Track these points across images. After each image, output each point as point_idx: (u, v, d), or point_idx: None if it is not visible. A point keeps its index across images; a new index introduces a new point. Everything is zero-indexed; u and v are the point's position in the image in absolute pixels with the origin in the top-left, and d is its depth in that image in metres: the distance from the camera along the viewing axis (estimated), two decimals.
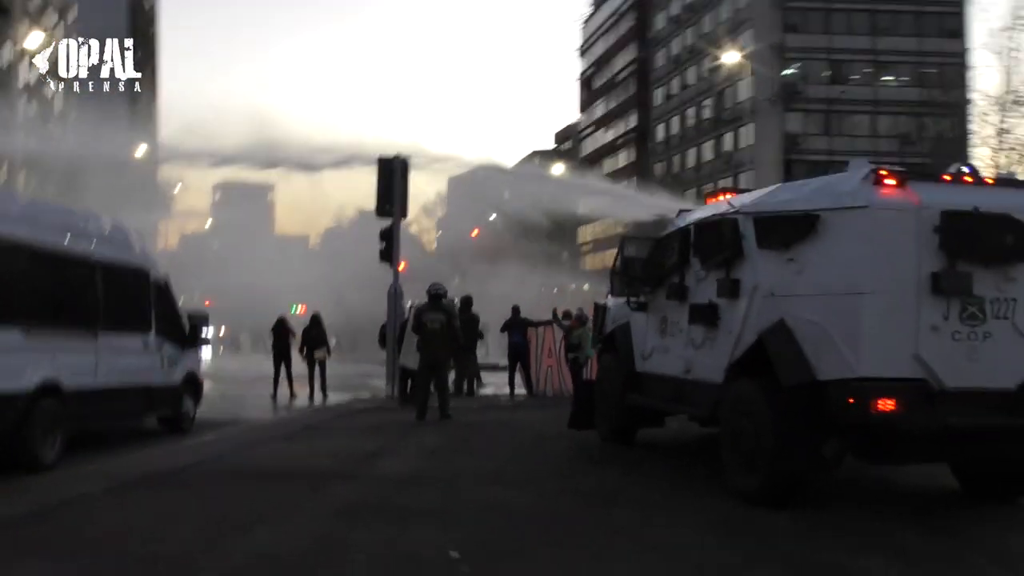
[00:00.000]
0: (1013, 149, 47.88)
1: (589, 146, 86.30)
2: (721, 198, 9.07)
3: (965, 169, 7.45)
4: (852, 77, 58.46)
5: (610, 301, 11.19)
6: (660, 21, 72.47)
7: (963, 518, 7.45)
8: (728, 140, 61.35)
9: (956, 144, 51.91)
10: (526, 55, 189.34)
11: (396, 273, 18.91)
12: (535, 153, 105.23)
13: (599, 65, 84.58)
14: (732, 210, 8.35)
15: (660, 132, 71.66)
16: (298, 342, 20.78)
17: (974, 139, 51.30)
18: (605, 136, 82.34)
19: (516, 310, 20.65)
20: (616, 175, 78.67)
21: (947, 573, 5.93)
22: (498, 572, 5.69)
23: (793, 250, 7.50)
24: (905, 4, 57.24)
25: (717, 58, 56.42)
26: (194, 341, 13.51)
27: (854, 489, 8.66)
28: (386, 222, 19.00)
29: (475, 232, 58.87)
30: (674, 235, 9.47)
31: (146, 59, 72.84)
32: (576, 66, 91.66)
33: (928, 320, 6.88)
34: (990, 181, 7.42)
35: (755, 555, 6.22)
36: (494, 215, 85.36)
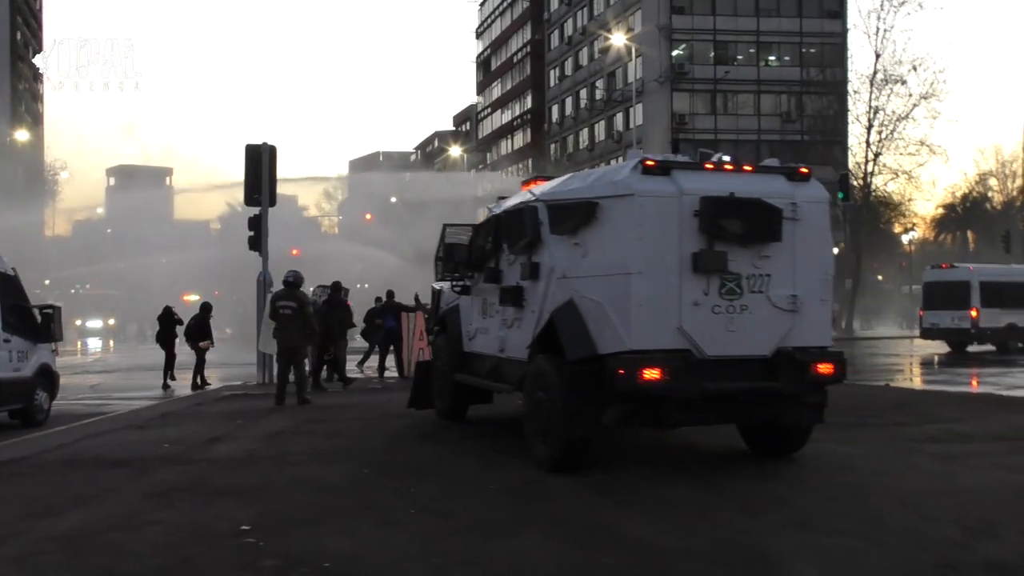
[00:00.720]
0: (884, 125, 50.22)
1: (487, 127, 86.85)
2: (533, 186, 9.68)
3: (726, 158, 8.17)
4: (738, 58, 60.16)
5: (444, 285, 11.73)
6: (554, 2, 73.25)
7: (730, 474, 8.20)
8: (619, 120, 62.51)
9: (834, 121, 54.15)
10: (427, 36, 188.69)
11: (265, 261, 19.12)
12: (436, 134, 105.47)
13: (495, 47, 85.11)
14: (533, 198, 8.95)
15: (555, 113, 72.53)
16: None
17: (849, 116, 53.66)
18: (502, 117, 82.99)
19: (390, 295, 21.14)
20: (513, 156, 79.45)
21: (695, 521, 6.60)
22: (283, 540, 6.17)
23: (579, 235, 8.13)
24: None
25: (607, 40, 57.36)
26: (46, 334, 13.61)
27: (648, 453, 9.38)
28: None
29: (369, 216, 58.82)
30: (490, 222, 10.06)
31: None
32: (473, 48, 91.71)
33: (690, 296, 7.60)
34: (748, 168, 8.15)
35: (529, 515, 6.83)
36: (394, 198, 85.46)
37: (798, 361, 7.80)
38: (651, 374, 7.39)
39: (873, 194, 53.95)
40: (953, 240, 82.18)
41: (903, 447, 9.52)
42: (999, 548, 5.88)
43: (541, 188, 9.17)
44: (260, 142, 19.20)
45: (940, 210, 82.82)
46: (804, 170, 8.19)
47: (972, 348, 32.91)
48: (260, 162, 19.13)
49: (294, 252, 42.83)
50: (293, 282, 14.30)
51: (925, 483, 7.77)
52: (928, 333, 34.21)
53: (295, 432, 11.15)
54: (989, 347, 32.39)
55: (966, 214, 78.77)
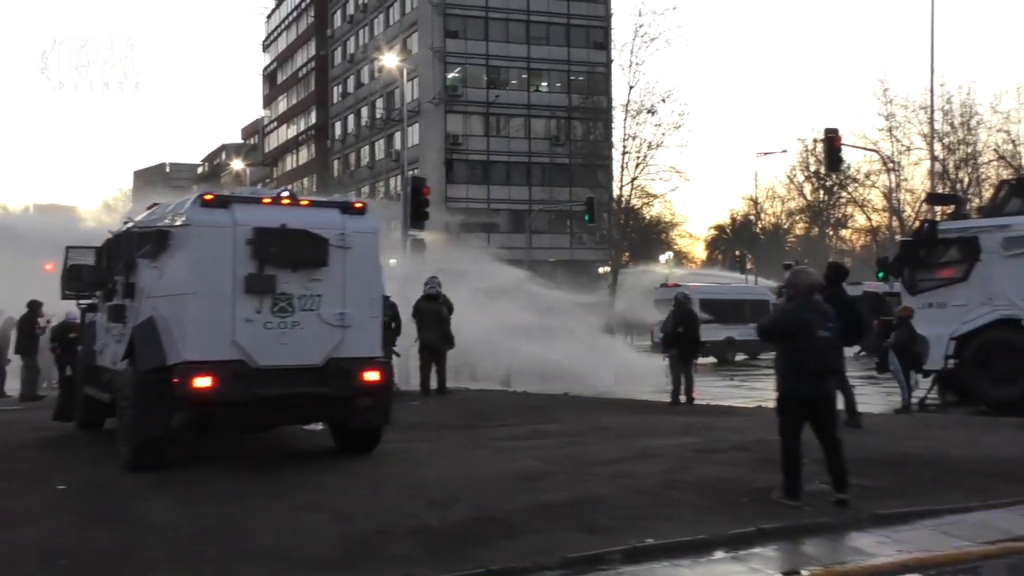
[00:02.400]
0: (639, 151, 53.76)
1: (274, 141, 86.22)
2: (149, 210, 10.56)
3: (284, 194, 9.36)
4: (512, 82, 62.66)
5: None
6: (337, 19, 73.89)
7: (295, 468, 9.36)
8: (397, 139, 63.67)
9: (598, 146, 57.47)
10: (216, 45, 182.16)
11: None
12: (223, 147, 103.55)
13: (281, 61, 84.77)
14: (132, 224, 9.86)
15: (338, 129, 73.04)
16: None
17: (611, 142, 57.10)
18: (288, 132, 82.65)
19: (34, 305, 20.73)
20: (299, 171, 79.32)
21: (214, 506, 7.65)
22: None
23: (158, 259, 9.12)
24: (557, 16, 62.03)
25: (380, 60, 58.56)
26: None
27: (247, 453, 10.38)
28: None
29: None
30: (107, 244, 10.87)
31: None
32: (260, 60, 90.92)
33: (243, 314, 8.72)
34: (304, 203, 9.39)
35: (71, 507, 7.74)
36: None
37: (345, 369, 9.06)
38: (203, 382, 8.43)
39: (633, 215, 57.55)
40: (725, 259, 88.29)
41: (477, 443, 10.96)
42: (439, 517, 7.24)
43: (141, 215, 10.10)
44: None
45: (713, 231, 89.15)
46: (358, 204, 9.48)
47: (699, 360, 35.83)
48: None
49: (47, 267, 41.57)
50: None
51: (450, 471, 9.12)
52: (659, 346, 37.06)
53: None
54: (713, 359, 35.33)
55: (735, 235, 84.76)
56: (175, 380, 8.44)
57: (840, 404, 12.31)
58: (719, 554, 6.76)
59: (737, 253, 74.76)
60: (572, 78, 61.67)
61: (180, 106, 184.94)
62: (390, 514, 7.36)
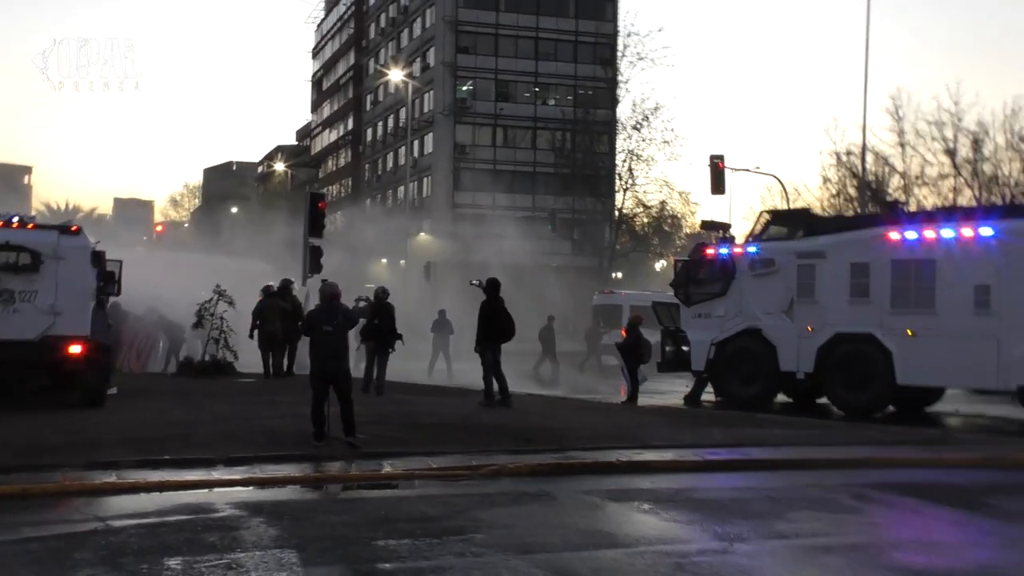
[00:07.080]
0: (629, 164, 56.50)
1: (319, 144, 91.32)
2: None
3: (15, 219, 13.23)
4: (525, 95, 66.13)
5: None
6: (372, 31, 78.42)
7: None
8: (417, 147, 67.82)
9: (599, 157, 60.53)
10: (272, 50, 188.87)
11: None
12: (279, 148, 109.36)
13: (327, 68, 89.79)
14: None
15: (370, 135, 77.50)
16: None
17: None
18: (330, 136, 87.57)
19: None
20: (336, 175, 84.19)
21: None
22: None
23: None
24: (564, 34, 65.33)
25: (408, 70, 62.75)
26: None
27: None
28: None
29: (159, 228, 62.60)
30: None
31: None
32: (309, 66, 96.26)
33: None
34: (30, 226, 13.24)
35: None
36: (235, 208, 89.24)
37: (52, 345, 12.90)
38: None
39: (626, 223, 60.38)
40: None
41: (199, 406, 14.53)
42: (59, 440, 10.92)
43: None
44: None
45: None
46: (74, 228, 13.32)
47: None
48: None
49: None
50: None
51: (131, 419, 12.72)
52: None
53: None
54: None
55: None
56: None
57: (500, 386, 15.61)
58: (217, 467, 10.26)
59: None
60: (579, 92, 64.72)
61: (250, 107, 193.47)
62: (23, 436, 11.09)
